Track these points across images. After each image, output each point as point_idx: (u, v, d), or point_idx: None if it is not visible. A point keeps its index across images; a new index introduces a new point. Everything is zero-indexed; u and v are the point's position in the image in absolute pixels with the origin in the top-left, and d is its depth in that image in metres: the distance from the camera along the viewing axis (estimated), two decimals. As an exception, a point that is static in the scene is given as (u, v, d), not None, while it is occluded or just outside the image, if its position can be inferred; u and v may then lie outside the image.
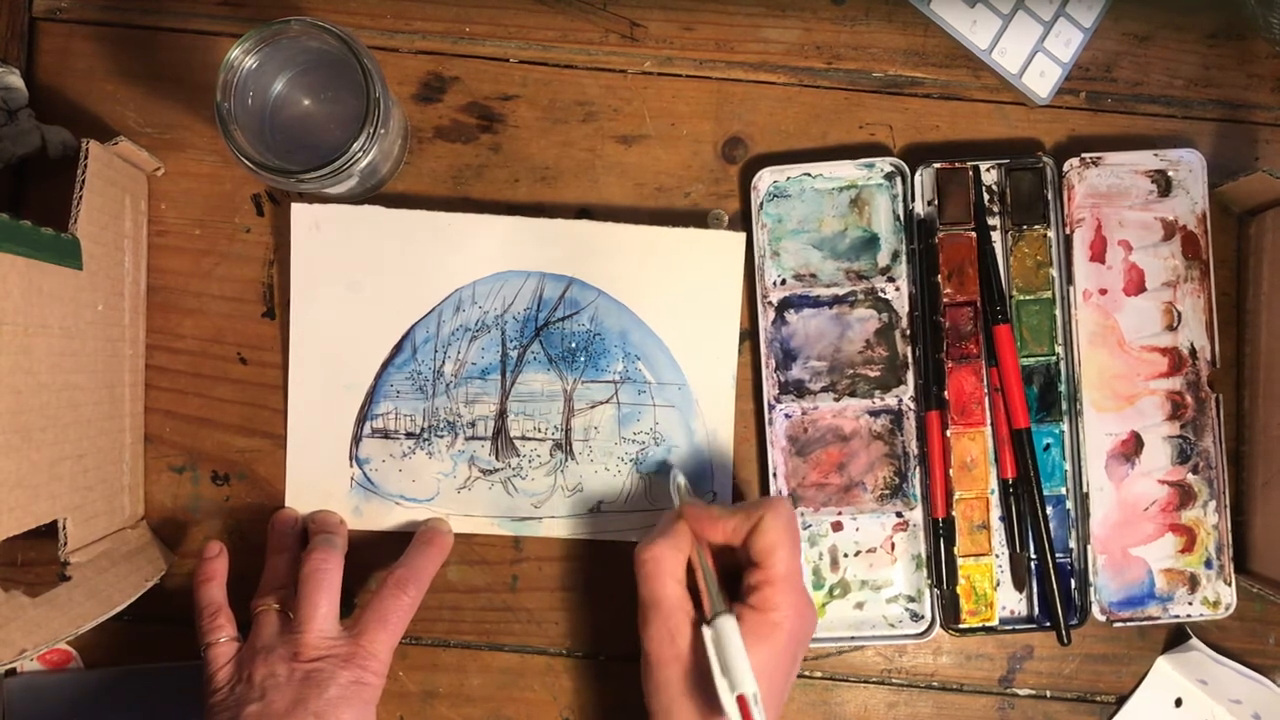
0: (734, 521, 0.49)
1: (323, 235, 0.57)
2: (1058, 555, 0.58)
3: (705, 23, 0.60)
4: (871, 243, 0.59)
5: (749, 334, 0.59)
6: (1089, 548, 0.58)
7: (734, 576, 0.50)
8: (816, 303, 0.59)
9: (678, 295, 0.58)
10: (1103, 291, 0.59)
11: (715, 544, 0.51)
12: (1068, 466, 0.59)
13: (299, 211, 0.57)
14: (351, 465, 0.58)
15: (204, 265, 0.59)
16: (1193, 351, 0.59)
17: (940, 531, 0.58)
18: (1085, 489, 0.58)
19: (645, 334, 0.58)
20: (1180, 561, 0.59)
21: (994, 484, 0.59)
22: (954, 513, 0.58)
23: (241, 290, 0.59)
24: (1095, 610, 0.58)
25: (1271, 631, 0.60)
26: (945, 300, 0.58)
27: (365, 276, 0.57)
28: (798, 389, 0.59)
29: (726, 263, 0.58)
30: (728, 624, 0.46)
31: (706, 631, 0.46)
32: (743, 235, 0.58)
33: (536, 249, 0.58)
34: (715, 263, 0.58)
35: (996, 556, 0.58)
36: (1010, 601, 0.59)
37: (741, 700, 0.43)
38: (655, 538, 0.50)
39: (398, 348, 0.58)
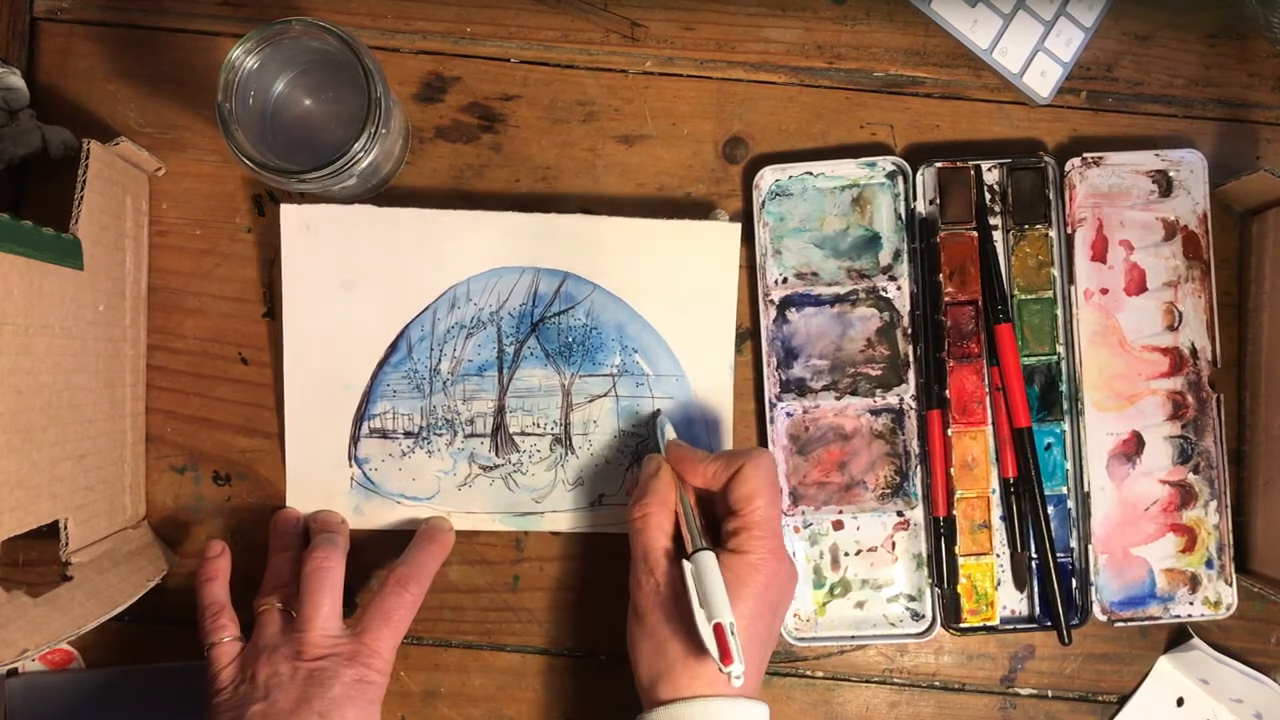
0: (716, 466, 0.51)
1: (313, 236, 0.57)
2: (1059, 555, 0.58)
3: (706, 22, 0.60)
4: (873, 242, 0.59)
5: (750, 333, 0.59)
6: (1090, 547, 0.58)
7: (717, 532, 0.51)
8: (818, 301, 0.59)
9: (673, 287, 0.58)
10: (1104, 291, 0.59)
11: (696, 486, 0.52)
12: (1069, 466, 0.59)
13: (287, 213, 0.57)
14: (351, 465, 0.58)
15: (205, 265, 0.59)
16: (1194, 351, 0.59)
17: (941, 530, 0.58)
18: (1086, 488, 0.58)
19: (642, 327, 0.58)
20: (1181, 561, 0.59)
21: (995, 483, 0.59)
22: (955, 512, 0.58)
23: (242, 290, 0.59)
24: (1096, 610, 0.58)
25: (1273, 631, 0.60)
26: (947, 299, 0.58)
27: (358, 276, 0.57)
28: (799, 387, 0.59)
29: (722, 254, 0.58)
30: (706, 558, 0.47)
31: (686, 565, 0.47)
32: (738, 226, 0.58)
33: (530, 244, 0.58)
34: (711, 254, 0.58)
35: (997, 556, 0.58)
36: (1011, 601, 0.59)
37: (718, 629, 0.44)
38: (645, 494, 0.51)
39: (393, 347, 0.58)
